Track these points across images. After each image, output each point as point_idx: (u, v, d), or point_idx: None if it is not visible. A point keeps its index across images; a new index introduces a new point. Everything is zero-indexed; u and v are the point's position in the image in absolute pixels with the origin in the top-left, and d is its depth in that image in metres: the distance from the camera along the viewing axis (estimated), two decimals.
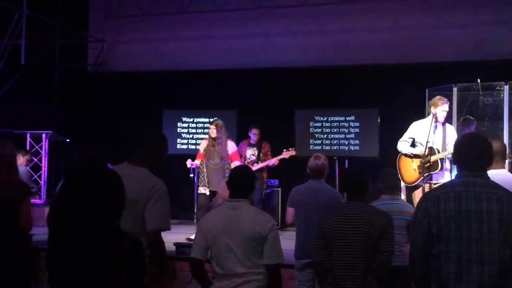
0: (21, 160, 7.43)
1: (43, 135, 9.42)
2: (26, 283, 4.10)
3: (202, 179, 7.33)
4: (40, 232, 5.44)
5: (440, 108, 5.93)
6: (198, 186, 7.44)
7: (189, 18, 10.13)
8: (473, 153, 2.57)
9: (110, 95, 10.37)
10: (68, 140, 9.63)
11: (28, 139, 9.41)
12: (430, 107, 6.03)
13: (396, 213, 4.26)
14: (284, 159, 7.91)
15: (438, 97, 6.10)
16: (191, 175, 7.82)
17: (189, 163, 7.47)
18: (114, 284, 2.30)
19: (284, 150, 7.92)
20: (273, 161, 7.93)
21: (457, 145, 2.70)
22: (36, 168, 9.34)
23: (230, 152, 7.31)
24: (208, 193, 7.28)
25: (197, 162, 7.44)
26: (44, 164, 9.42)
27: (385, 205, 4.34)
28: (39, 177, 9.34)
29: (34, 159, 9.27)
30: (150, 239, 3.16)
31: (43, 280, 2.49)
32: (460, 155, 2.62)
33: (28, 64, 9.32)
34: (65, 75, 10.77)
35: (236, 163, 6.91)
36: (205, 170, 7.33)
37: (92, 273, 2.29)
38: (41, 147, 9.45)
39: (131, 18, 10.52)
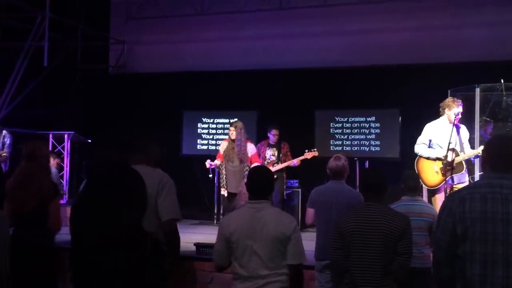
0: (52, 162, 7.50)
1: (65, 136, 9.55)
2: (53, 282, 4.13)
3: (222, 180, 7.38)
4: (62, 232, 5.48)
5: (456, 110, 5.85)
6: (221, 187, 7.48)
7: (209, 20, 10.17)
8: (501, 155, 2.53)
9: (130, 96, 10.45)
10: (89, 141, 9.73)
11: (51, 139, 9.53)
12: (444, 109, 5.95)
13: (415, 214, 4.22)
14: (305, 159, 7.88)
15: (451, 98, 6.01)
16: (210, 176, 7.85)
17: (208, 163, 7.50)
18: (137, 283, 2.31)
19: (306, 150, 7.86)
20: (295, 161, 7.87)
21: (487, 146, 2.66)
22: (59, 168, 9.46)
23: (249, 154, 7.32)
24: (226, 194, 7.32)
25: (217, 162, 7.47)
26: (66, 164, 9.54)
27: (405, 207, 4.30)
28: (61, 177, 9.45)
29: None
30: (166, 229, 3.25)
31: (68, 280, 2.52)
32: (489, 156, 2.58)
33: (51, 66, 9.43)
34: (86, 77, 10.89)
35: (255, 165, 6.90)
36: (224, 172, 7.37)
37: (114, 272, 2.30)
38: (63, 148, 9.58)
39: (151, 20, 10.60)
